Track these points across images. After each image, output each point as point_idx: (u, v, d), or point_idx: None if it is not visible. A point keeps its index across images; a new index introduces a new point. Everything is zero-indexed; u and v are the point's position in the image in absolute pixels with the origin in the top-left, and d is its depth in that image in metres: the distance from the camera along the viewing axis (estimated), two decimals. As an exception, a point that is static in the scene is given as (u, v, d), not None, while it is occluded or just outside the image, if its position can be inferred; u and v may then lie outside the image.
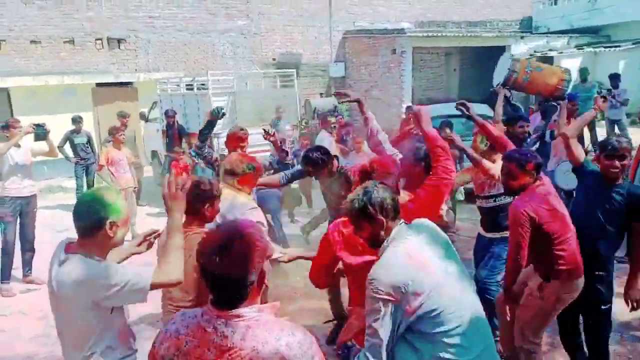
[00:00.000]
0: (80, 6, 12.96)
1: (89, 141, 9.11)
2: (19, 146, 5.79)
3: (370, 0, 17.02)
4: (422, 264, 2.02)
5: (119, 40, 13.73)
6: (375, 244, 2.16)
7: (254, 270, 1.47)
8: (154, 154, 11.04)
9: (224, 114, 4.26)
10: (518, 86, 5.32)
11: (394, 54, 13.61)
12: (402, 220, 2.17)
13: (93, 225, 2.00)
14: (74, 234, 2.09)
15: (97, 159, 8.50)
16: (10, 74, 11.94)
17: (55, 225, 7.37)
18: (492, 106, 9.23)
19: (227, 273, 1.44)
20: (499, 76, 5.50)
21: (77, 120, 9.00)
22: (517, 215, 2.98)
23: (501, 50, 15.41)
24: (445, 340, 1.97)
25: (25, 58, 12.42)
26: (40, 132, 5.78)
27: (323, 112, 10.59)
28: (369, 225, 2.13)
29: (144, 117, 11.47)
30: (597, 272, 3.15)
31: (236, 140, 4.16)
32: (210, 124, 4.43)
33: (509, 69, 5.20)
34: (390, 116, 11.20)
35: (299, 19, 15.87)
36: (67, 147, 8.89)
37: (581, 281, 3.08)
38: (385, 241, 2.12)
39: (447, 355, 1.97)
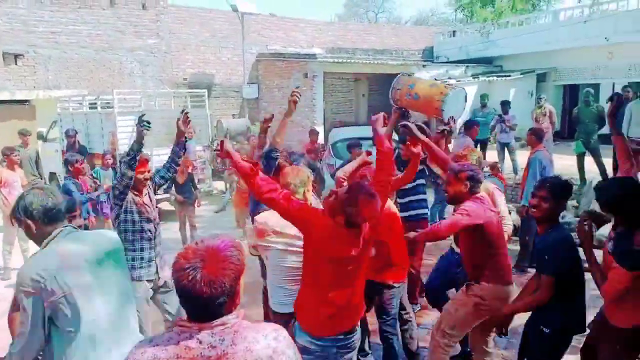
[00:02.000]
0: (-28, 18, 12.06)
1: None
2: None
3: (282, 25, 17.38)
4: (71, 265, 2.16)
5: (16, 56, 12.88)
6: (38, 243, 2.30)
7: (223, 292, 1.45)
8: (52, 176, 10.39)
9: (148, 124, 3.60)
10: (407, 104, 4.84)
11: (306, 77, 13.96)
12: (66, 226, 2.30)
13: None
14: None
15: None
16: None
17: None
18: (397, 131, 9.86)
19: (195, 293, 1.43)
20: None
21: None
22: (471, 208, 3.17)
23: (406, 77, 16.35)
24: (71, 338, 2.14)
25: None
26: None
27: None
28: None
29: (42, 137, 10.80)
30: None
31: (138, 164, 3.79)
32: (141, 138, 3.64)
33: (393, 86, 4.88)
34: (303, 137, 11.40)
35: (211, 40, 15.81)
36: None
37: (508, 289, 3.29)
38: (42, 242, 2.27)
39: (71, 353, 2.14)
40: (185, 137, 4.09)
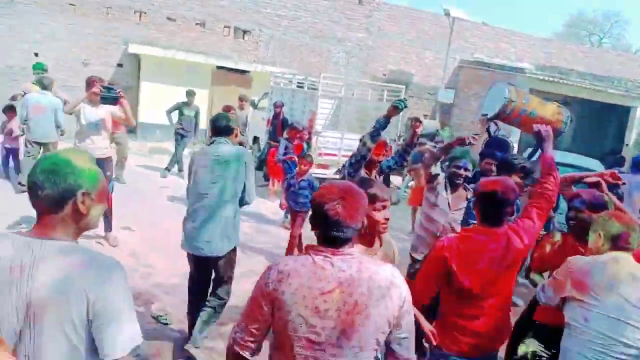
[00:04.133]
0: (217, -6, 13.91)
1: (196, 115, 9.71)
2: (97, 106, 5.56)
3: (492, 34, 16.70)
4: None
5: (245, 32, 14.53)
6: None
7: (357, 224, 1.75)
8: (255, 139, 11.53)
9: (405, 106, 3.57)
10: (513, 117, 4.39)
11: (509, 91, 13.24)
12: None
13: (58, 195, 1.47)
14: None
15: (201, 131, 8.97)
16: (144, 42, 13.02)
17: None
18: (604, 164, 8.78)
19: (344, 218, 1.71)
20: (490, 105, 4.58)
21: (190, 94, 9.64)
22: None
23: (624, 110, 14.49)
24: None
25: (159, 32, 13.49)
26: (109, 97, 5.37)
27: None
28: None
29: (253, 105, 12.02)
30: None
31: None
32: (390, 115, 3.58)
33: (505, 97, 4.32)
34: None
35: (416, 40, 15.91)
36: (175, 115, 9.56)
37: None
38: None
39: None
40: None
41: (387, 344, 1.79)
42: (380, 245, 2.52)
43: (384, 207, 2.37)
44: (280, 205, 6.43)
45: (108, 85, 5.40)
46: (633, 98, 13.84)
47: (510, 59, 16.24)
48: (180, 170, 9.76)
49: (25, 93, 6.71)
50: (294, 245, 5.95)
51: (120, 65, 13.33)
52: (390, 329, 1.74)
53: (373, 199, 2.30)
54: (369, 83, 12.63)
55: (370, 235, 2.42)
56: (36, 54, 12.19)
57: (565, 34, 36.27)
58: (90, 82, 5.61)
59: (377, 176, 3.87)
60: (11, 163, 7.69)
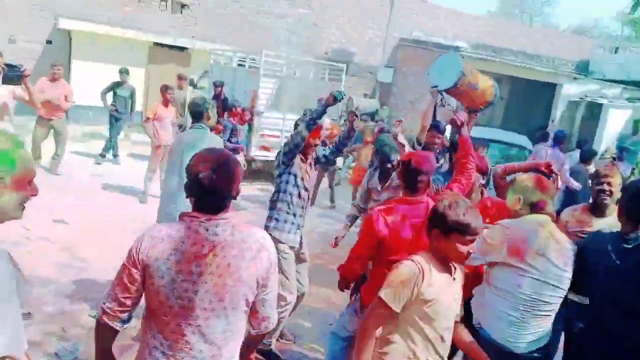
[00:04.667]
0: (152, -34, 13.38)
1: (132, 95, 9.43)
2: None
3: (431, 12, 17.06)
4: None
5: (183, 5, 14.10)
6: None
7: (231, 192, 1.81)
8: (195, 120, 11.36)
9: (342, 98, 3.70)
10: (460, 90, 4.26)
11: (445, 69, 13.66)
12: None
13: None
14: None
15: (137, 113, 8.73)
16: (74, 17, 12.38)
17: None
18: (533, 139, 9.35)
19: (219, 186, 1.77)
20: (443, 77, 4.32)
21: (123, 72, 9.32)
22: None
23: (552, 87, 15.34)
24: None
25: (90, 6, 12.87)
26: (12, 75, 4.97)
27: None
28: None
29: (192, 84, 11.79)
30: None
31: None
32: (328, 104, 3.71)
33: (461, 70, 4.15)
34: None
35: (357, 17, 16.01)
36: (110, 97, 9.26)
37: None
38: None
39: None
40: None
41: (252, 303, 1.88)
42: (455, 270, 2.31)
43: (472, 242, 2.14)
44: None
45: (13, 64, 5.00)
46: (559, 75, 14.64)
47: (447, 37, 16.69)
48: (115, 155, 9.49)
49: None
50: None
51: (49, 42, 12.64)
52: (258, 289, 1.84)
53: (465, 229, 2.09)
54: (311, 61, 12.65)
55: (448, 263, 2.24)
56: (-46, 29, 11.38)
57: (499, 12, 37.57)
58: None
59: (313, 163, 3.90)
60: None
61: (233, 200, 1.84)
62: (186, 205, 1.86)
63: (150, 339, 1.79)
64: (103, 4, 12.96)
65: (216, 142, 4.07)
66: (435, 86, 4.29)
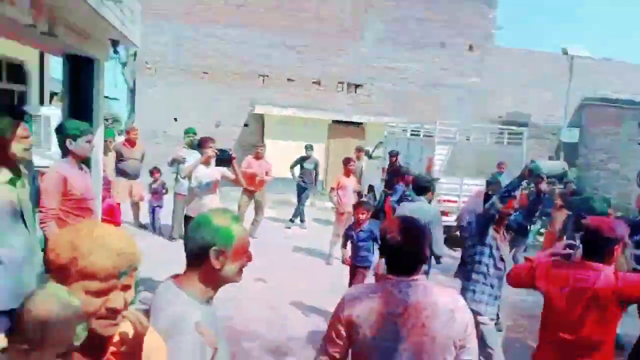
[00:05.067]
0: (331, 53, 14.82)
1: (316, 167, 10.30)
2: (207, 165, 5.63)
3: (615, 68, 15.76)
4: None
5: (357, 86, 15.24)
6: None
7: (422, 249, 1.92)
8: (371, 187, 11.84)
9: (539, 173, 3.58)
10: None
11: (640, 127, 12.32)
12: None
13: (196, 250, 1.65)
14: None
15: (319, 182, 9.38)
16: (267, 103, 14.19)
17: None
18: None
19: (405, 248, 1.90)
20: None
21: (308, 148, 10.27)
22: None
23: None
24: None
25: (280, 92, 14.63)
26: (224, 157, 5.43)
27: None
28: None
29: (368, 154, 12.42)
30: None
31: None
32: (520, 182, 3.67)
33: None
34: (626, 192, 10.10)
35: (532, 81, 15.49)
36: (297, 170, 10.23)
37: None
38: None
39: None
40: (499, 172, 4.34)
41: None
42: None
43: None
44: (343, 261, 5.62)
45: (222, 149, 5.53)
46: None
47: (636, 93, 15.13)
48: (302, 221, 10.28)
49: (185, 158, 7.39)
50: None
51: (246, 125, 14.60)
52: (456, 351, 1.85)
53: None
54: (486, 126, 12.47)
55: None
56: (175, 119, 13.81)
57: None
58: (202, 143, 5.71)
59: (505, 232, 3.87)
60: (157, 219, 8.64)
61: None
62: None
63: None
64: (289, 91, 14.65)
65: (432, 214, 4.41)
66: None
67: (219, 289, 1.71)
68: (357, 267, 5.18)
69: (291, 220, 10.21)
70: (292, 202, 11.75)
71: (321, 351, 1.96)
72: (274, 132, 14.04)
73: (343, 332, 1.89)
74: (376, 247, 5.10)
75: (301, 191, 10.18)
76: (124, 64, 14.43)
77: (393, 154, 10.16)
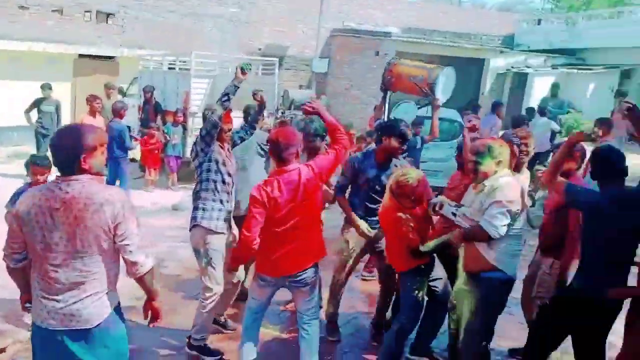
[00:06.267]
0: (71, -23, 13.01)
1: (57, 109, 9.17)
2: None
3: (360, 2, 17.34)
4: None
5: (108, 15, 13.79)
6: None
7: (76, 152, 2.21)
8: (128, 128, 11.13)
9: (250, 69, 3.72)
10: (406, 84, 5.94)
11: (377, 55, 13.95)
12: None
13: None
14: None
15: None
16: (-6, 36, 11.92)
17: None
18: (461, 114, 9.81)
19: (60, 146, 2.24)
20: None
21: (44, 88, 9.02)
22: None
23: (480, 62, 15.93)
24: None
25: (11, 23, 12.40)
26: None
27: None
28: None
29: (122, 92, 11.57)
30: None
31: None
32: (238, 80, 3.68)
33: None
34: (366, 115, 11.50)
35: (289, 12, 16.10)
36: (35, 114, 8.97)
37: None
38: None
39: None
40: (262, 105, 4.75)
41: (117, 250, 2.30)
42: None
43: None
44: None
45: None
46: (486, 50, 15.22)
47: (378, 24, 17.01)
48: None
49: None
50: None
51: (-33, 63, 12.11)
52: (108, 237, 2.24)
53: None
54: (242, 58, 12.63)
55: None
56: None
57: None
58: None
59: (230, 148, 3.90)
60: None
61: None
62: None
63: (34, 282, 2.30)
64: (24, 21, 12.51)
65: None
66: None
67: None
68: None
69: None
70: (30, 154, 10.40)
71: (6, 243, 2.32)
72: (5, 71, 11.91)
73: (15, 226, 2.26)
74: None
75: (41, 139, 8.99)
76: None
77: (147, 90, 9.65)
